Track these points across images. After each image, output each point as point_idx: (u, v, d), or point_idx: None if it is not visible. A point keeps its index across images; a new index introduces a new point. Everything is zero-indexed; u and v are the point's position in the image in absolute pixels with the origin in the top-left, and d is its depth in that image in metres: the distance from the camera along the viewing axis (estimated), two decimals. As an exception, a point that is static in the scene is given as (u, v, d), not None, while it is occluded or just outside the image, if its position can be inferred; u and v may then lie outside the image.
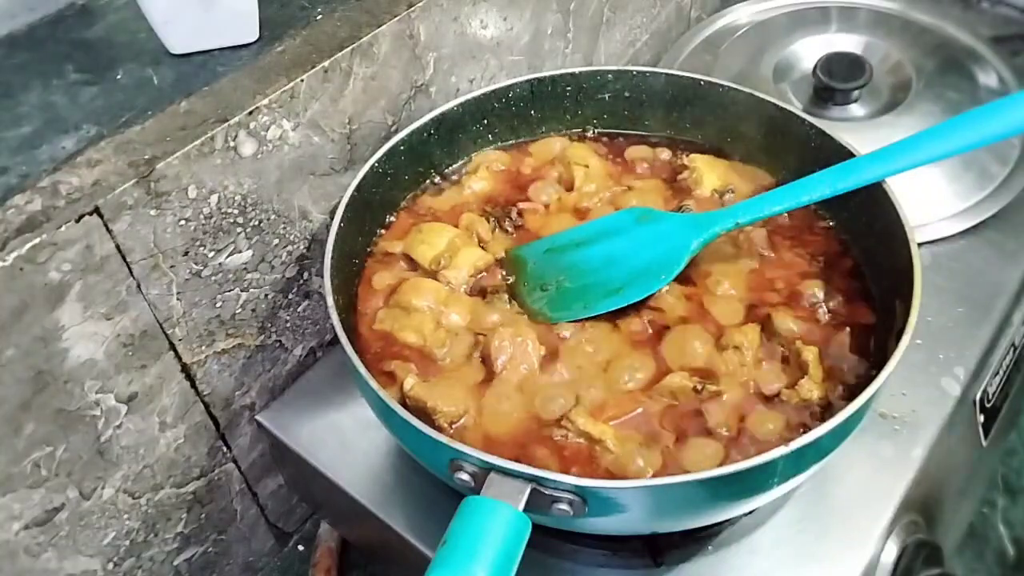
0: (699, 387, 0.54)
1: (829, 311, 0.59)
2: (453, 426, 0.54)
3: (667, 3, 1.00)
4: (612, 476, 0.51)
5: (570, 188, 0.69)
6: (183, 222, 0.55)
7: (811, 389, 0.53)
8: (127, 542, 0.61)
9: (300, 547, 0.77)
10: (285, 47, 0.62)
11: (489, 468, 0.45)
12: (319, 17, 0.66)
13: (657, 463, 0.51)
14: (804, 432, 0.46)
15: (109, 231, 0.51)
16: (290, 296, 0.67)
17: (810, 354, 0.54)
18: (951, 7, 0.98)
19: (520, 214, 0.67)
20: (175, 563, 0.66)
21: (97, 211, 0.50)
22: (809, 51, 0.89)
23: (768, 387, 0.54)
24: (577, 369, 0.56)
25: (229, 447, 0.67)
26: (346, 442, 0.64)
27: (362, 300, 0.62)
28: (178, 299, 0.57)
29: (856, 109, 0.82)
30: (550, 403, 0.54)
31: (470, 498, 0.44)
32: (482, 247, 0.64)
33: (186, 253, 0.57)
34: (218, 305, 0.61)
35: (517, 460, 0.45)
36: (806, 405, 0.53)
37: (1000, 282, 0.71)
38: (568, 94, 0.72)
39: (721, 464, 0.46)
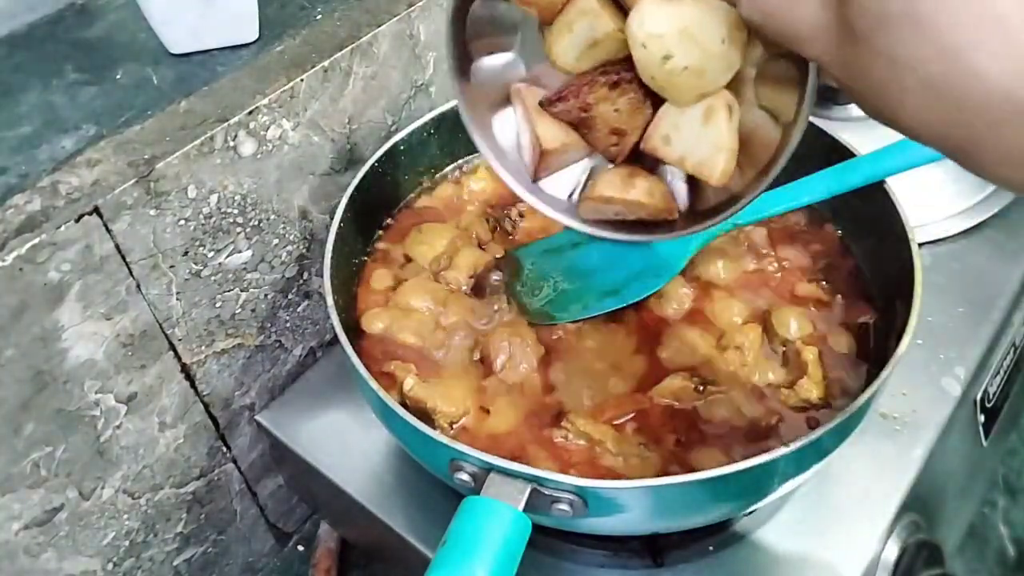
0: (700, 388, 0.54)
1: (829, 311, 0.59)
2: (453, 426, 0.54)
3: (667, 3, 1.00)
4: (613, 476, 0.51)
5: (570, 188, 0.69)
6: (183, 222, 0.55)
7: (811, 389, 0.53)
8: (127, 542, 0.61)
9: (300, 547, 0.77)
10: (285, 47, 0.62)
11: (489, 468, 0.45)
12: (319, 17, 0.66)
13: (658, 464, 0.51)
14: (812, 429, 0.46)
15: (109, 231, 0.51)
16: (290, 296, 0.67)
17: (810, 354, 0.54)
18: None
19: (520, 214, 0.67)
20: (175, 563, 0.66)
21: (97, 211, 0.50)
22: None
23: (768, 387, 0.54)
24: (576, 370, 0.56)
25: (229, 447, 0.67)
26: (346, 442, 0.64)
27: (362, 300, 0.62)
28: (178, 299, 0.57)
29: (856, 109, 0.82)
30: (549, 404, 0.54)
31: (470, 498, 0.44)
32: (481, 248, 0.64)
33: (186, 253, 0.57)
34: (218, 305, 0.61)
35: (517, 460, 0.45)
36: (806, 405, 0.53)
37: (1000, 282, 0.71)
38: (568, 94, 0.72)
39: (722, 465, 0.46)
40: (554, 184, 0.51)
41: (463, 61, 0.49)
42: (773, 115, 0.42)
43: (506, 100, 0.50)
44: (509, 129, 0.50)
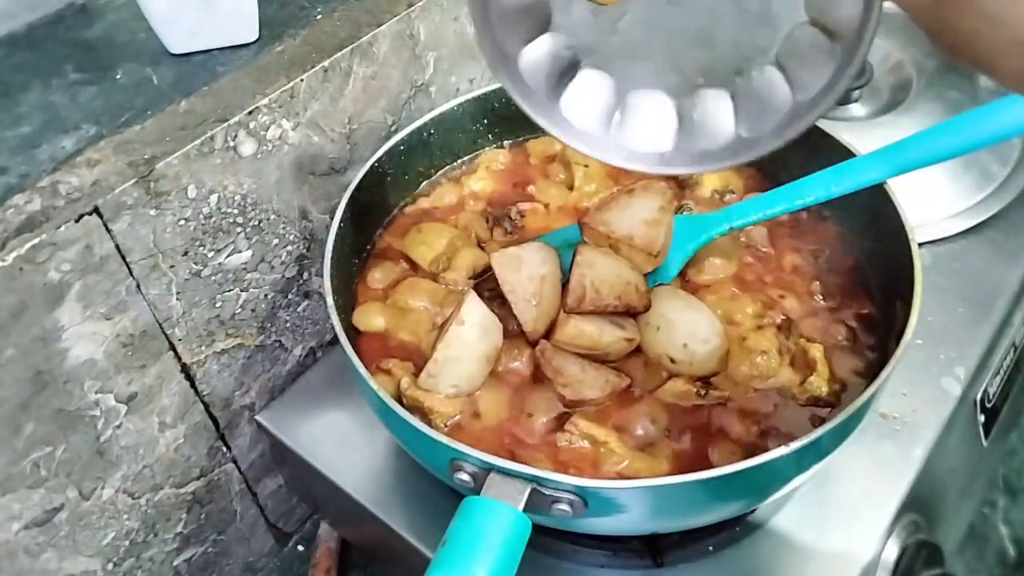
0: (702, 391, 0.54)
1: (830, 310, 0.59)
2: (447, 425, 0.53)
3: (667, 3, 1.00)
4: (615, 477, 0.51)
5: (570, 188, 0.69)
6: (183, 222, 0.55)
7: (820, 386, 0.53)
8: (127, 542, 0.61)
9: (300, 547, 0.77)
10: (285, 47, 0.62)
11: (489, 468, 0.45)
12: (319, 17, 0.66)
13: (661, 464, 0.51)
14: (814, 428, 0.46)
15: (109, 231, 0.51)
16: (290, 296, 0.67)
17: (816, 351, 0.54)
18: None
19: (520, 214, 0.67)
20: (175, 563, 0.66)
21: (97, 211, 0.50)
22: (809, 51, 0.88)
23: (774, 387, 0.54)
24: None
25: (229, 447, 0.67)
26: (346, 442, 0.64)
27: (361, 299, 0.62)
28: (178, 299, 0.57)
29: (856, 109, 0.82)
30: (547, 405, 0.54)
31: (470, 498, 0.44)
32: (481, 247, 0.64)
33: (186, 253, 0.57)
34: (218, 305, 0.61)
35: (516, 460, 0.45)
36: (815, 403, 0.53)
37: (1000, 282, 0.71)
38: (568, 94, 0.72)
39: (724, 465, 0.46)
40: (578, 109, 0.50)
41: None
42: (828, 31, 0.40)
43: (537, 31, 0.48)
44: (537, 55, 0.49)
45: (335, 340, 0.54)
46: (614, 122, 0.50)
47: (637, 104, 0.50)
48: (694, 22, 0.46)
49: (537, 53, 0.49)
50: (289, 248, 0.65)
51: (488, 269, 0.62)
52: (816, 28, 0.41)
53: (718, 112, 0.47)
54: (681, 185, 0.68)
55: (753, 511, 0.57)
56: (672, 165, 0.48)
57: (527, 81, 0.49)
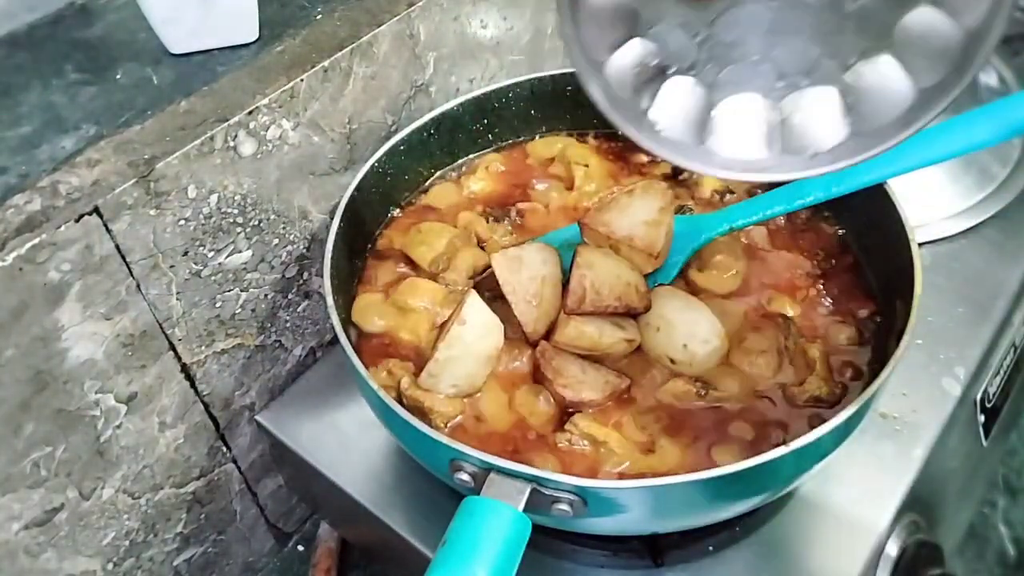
0: (702, 391, 0.54)
1: (830, 310, 0.59)
2: (447, 425, 0.54)
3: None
4: (615, 477, 0.51)
5: (570, 188, 0.69)
6: (183, 222, 0.55)
7: (819, 386, 0.53)
8: (127, 542, 0.61)
9: (300, 547, 0.77)
10: (285, 47, 0.62)
11: (489, 468, 0.45)
12: (319, 17, 0.66)
13: (660, 465, 0.51)
14: (814, 428, 0.46)
15: (109, 231, 0.51)
16: (290, 296, 0.67)
17: (816, 351, 0.54)
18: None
19: (520, 214, 0.67)
20: (175, 563, 0.66)
21: (97, 211, 0.50)
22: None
23: (775, 387, 0.54)
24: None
25: (229, 447, 0.67)
26: (346, 442, 0.64)
27: (361, 299, 0.62)
28: (178, 299, 0.57)
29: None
30: (547, 405, 0.54)
31: (470, 498, 0.44)
32: (481, 247, 0.64)
33: (186, 253, 0.57)
34: (218, 305, 0.61)
35: (516, 460, 0.45)
36: (814, 403, 0.53)
37: (1000, 282, 0.71)
38: (568, 94, 0.72)
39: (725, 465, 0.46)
40: (669, 117, 0.46)
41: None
42: (951, 9, 0.37)
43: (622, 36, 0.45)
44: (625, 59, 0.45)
45: (335, 340, 0.54)
46: (708, 130, 0.46)
47: (731, 110, 0.46)
48: (797, 17, 0.43)
49: (625, 59, 0.45)
50: (289, 248, 0.65)
51: (488, 269, 0.62)
52: (935, 8, 0.38)
53: (824, 112, 0.43)
54: (681, 188, 0.68)
55: (753, 511, 0.57)
56: (773, 171, 0.45)
57: (615, 90, 0.45)
